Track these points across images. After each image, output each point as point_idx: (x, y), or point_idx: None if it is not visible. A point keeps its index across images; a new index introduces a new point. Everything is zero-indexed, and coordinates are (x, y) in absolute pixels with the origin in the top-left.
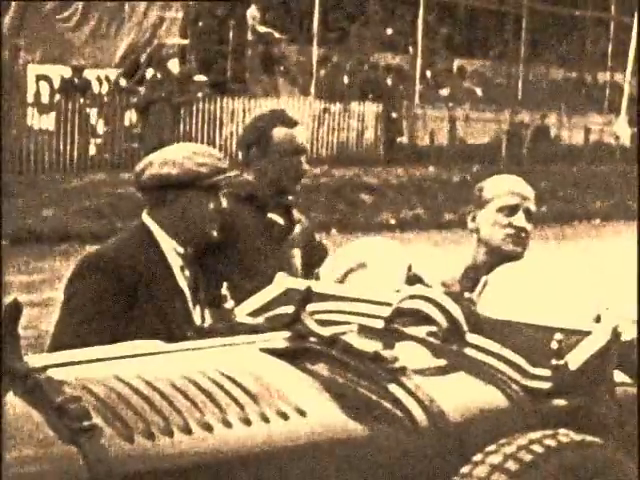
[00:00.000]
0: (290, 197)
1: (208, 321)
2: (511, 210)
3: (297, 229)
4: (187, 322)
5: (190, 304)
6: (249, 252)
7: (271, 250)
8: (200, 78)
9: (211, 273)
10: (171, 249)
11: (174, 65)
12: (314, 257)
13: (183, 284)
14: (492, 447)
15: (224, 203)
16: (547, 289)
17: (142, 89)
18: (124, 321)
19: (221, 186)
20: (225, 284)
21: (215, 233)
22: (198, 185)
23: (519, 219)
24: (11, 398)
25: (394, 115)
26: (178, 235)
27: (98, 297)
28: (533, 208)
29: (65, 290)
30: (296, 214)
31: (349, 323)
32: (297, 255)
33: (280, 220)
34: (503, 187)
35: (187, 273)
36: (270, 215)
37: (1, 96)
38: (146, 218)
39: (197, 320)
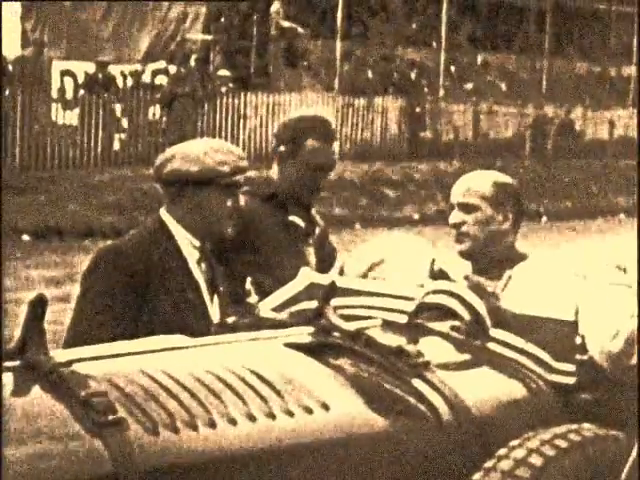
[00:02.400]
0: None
1: (227, 315)
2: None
3: (317, 231)
4: (202, 315)
5: (207, 297)
6: (268, 250)
7: (290, 250)
8: (224, 73)
9: (231, 270)
10: (187, 242)
11: (198, 60)
12: (326, 258)
13: (199, 277)
14: (516, 442)
15: (242, 201)
16: (570, 284)
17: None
18: (138, 314)
19: (240, 184)
20: (249, 279)
21: (230, 230)
22: (217, 183)
23: (451, 217)
24: (37, 392)
25: (418, 110)
26: (194, 230)
27: (112, 290)
28: (469, 200)
29: (80, 283)
30: (314, 215)
31: (373, 318)
32: (311, 254)
33: (301, 222)
34: (452, 190)
35: (204, 266)
36: (291, 218)
37: (1, 93)
38: (163, 212)
39: (214, 314)
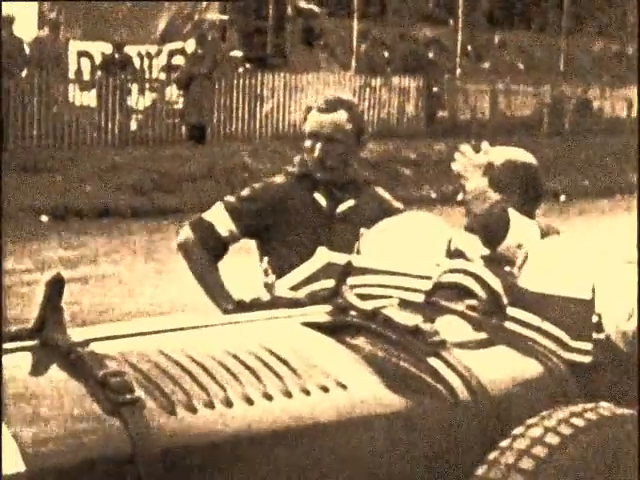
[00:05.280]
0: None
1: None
2: None
3: (340, 208)
4: None
5: None
6: (295, 228)
7: (317, 227)
8: (236, 54)
9: (266, 246)
10: None
11: (214, 40)
12: None
13: None
14: (532, 420)
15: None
16: (588, 262)
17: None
18: None
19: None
20: (266, 258)
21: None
22: None
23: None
24: (54, 371)
25: (435, 89)
26: None
27: None
28: None
29: None
30: (369, 191)
31: (390, 297)
32: (345, 233)
33: (323, 201)
34: None
35: None
36: (316, 196)
37: (1, 76)
38: None
39: None
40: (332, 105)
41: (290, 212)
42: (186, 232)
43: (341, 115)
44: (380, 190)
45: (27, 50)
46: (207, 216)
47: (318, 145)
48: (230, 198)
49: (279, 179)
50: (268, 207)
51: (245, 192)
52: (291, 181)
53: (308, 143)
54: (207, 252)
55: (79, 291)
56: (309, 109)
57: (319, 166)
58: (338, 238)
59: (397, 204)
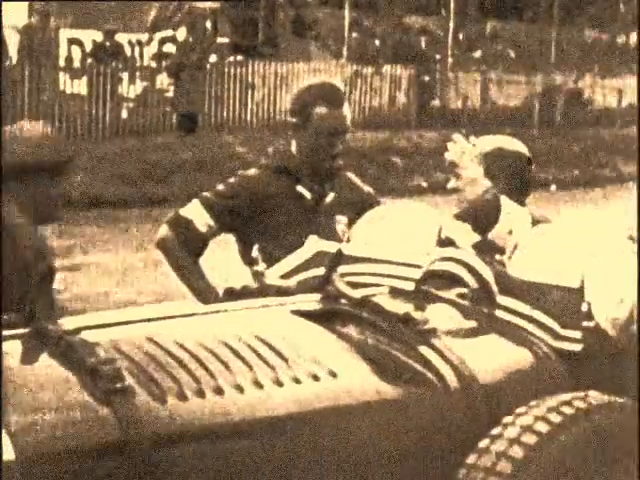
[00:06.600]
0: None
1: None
2: None
3: (327, 200)
4: None
5: None
6: (276, 221)
7: (302, 220)
8: (222, 40)
9: (244, 239)
10: None
11: (205, 29)
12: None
13: None
14: (522, 409)
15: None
16: (578, 250)
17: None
18: None
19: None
20: (256, 247)
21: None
22: None
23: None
24: (45, 360)
25: (426, 78)
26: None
27: None
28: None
29: None
30: (354, 182)
31: (380, 285)
32: (342, 222)
33: (307, 193)
34: None
35: None
36: (299, 188)
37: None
38: None
39: None
40: (339, 97)
41: (271, 206)
42: (164, 230)
43: (347, 105)
44: (351, 176)
45: (17, 38)
46: (185, 213)
47: (337, 141)
48: (206, 194)
49: (254, 172)
50: (246, 201)
51: (221, 187)
52: (268, 174)
53: (323, 140)
54: (187, 249)
55: (70, 280)
56: (310, 104)
57: (334, 160)
58: (323, 229)
59: (367, 188)
